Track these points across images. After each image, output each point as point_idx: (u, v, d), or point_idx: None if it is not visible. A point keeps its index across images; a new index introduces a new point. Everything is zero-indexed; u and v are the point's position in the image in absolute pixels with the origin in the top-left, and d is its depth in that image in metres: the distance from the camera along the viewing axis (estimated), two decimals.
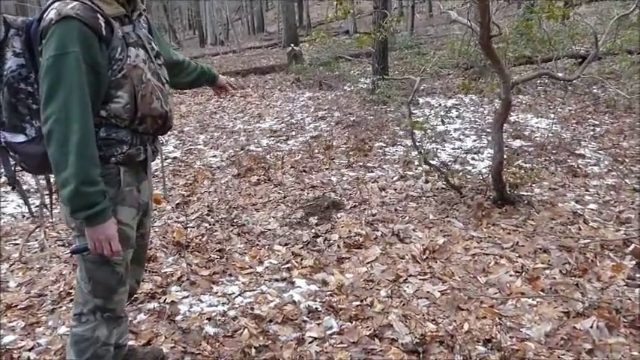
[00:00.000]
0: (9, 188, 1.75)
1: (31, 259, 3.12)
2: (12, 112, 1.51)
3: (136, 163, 1.63)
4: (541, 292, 2.57)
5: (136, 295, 2.40)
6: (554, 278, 2.69)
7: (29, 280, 2.89)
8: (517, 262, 2.89)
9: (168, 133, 1.89)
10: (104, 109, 1.50)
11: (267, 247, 3.28)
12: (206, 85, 2.20)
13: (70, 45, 1.38)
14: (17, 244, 3.35)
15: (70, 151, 1.37)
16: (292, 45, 10.06)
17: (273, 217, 3.76)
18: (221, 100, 9.18)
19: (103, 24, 1.44)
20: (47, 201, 1.80)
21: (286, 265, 3.03)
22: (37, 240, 3.37)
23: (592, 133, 5.53)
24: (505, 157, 3.69)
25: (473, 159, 4.94)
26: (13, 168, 1.64)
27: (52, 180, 1.72)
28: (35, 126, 1.51)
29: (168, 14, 28.52)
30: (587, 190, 3.96)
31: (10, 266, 3.08)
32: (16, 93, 1.49)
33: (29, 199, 1.83)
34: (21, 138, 1.53)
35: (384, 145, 5.56)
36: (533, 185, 4.00)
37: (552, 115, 6.05)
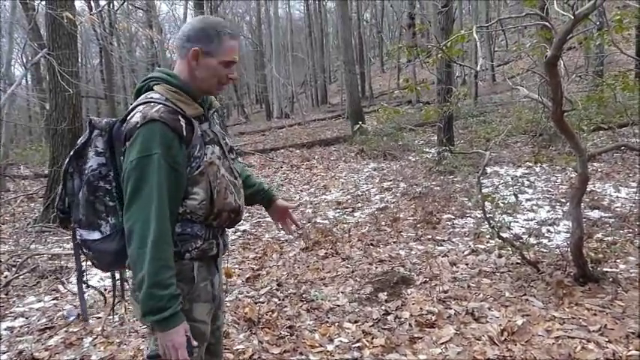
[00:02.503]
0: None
1: (112, 334, 3.25)
2: (89, 210, 1.54)
3: (209, 257, 1.64)
4: None
5: None
6: None
7: (110, 355, 2.99)
8: (607, 347, 2.67)
9: None
10: (181, 206, 1.53)
11: (336, 324, 3.24)
12: (261, 204, 2.03)
13: (153, 147, 1.43)
14: (99, 317, 3.51)
15: (146, 252, 1.40)
16: (360, 122, 10.36)
17: (342, 293, 3.73)
18: (286, 173, 9.45)
19: (184, 124, 1.50)
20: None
21: (357, 344, 2.97)
22: (117, 314, 3.52)
23: None
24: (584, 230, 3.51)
25: (548, 231, 4.73)
26: (83, 265, 1.67)
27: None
28: (110, 223, 1.54)
29: (237, 90, 30.33)
30: None
31: (93, 340, 3.22)
32: (95, 191, 1.53)
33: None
34: (96, 235, 1.55)
35: (453, 217, 5.46)
36: (618, 261, 3.75)
37: (633, 184, 5.74)
